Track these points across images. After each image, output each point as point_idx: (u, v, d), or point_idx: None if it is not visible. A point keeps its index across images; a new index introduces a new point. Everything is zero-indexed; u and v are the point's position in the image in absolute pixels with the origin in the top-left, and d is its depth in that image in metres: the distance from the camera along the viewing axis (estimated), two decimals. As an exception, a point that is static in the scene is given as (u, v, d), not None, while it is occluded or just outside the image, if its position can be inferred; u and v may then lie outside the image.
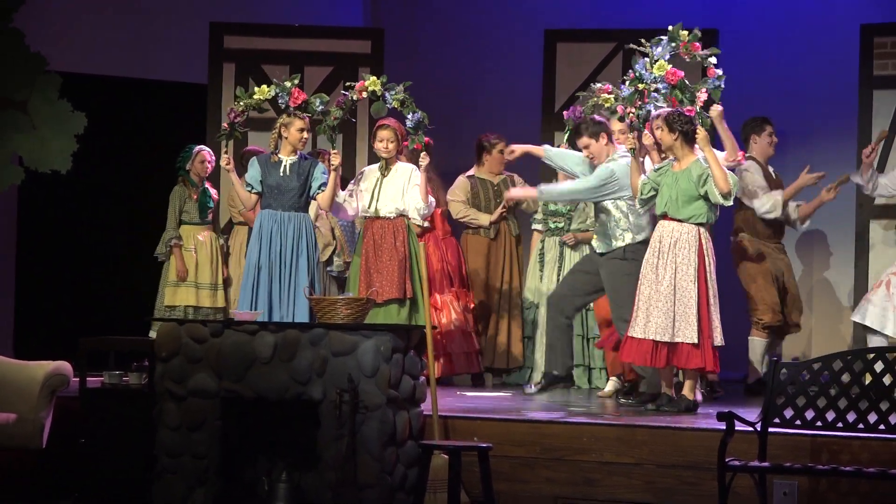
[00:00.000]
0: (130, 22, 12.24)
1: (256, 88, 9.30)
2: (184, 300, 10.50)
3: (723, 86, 8.95)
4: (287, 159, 9.21)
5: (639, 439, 7.74)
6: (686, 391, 8.71)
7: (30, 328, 11.94)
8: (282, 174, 9.16)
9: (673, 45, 8.97)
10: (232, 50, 11.60)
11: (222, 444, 8.02)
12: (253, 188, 9.23)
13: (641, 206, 8.90)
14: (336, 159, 9.25)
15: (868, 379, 7.13)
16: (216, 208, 10.89)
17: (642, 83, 8.96)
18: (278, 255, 9.08)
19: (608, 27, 11.74)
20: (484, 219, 10.69)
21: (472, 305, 10.63)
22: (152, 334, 10.19)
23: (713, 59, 8.98)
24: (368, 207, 9.49)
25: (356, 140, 11.57)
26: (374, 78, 9.38)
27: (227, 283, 10.74)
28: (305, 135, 9.24)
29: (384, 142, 9.44)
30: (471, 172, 10.80)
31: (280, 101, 9.24)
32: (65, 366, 8.52)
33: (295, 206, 9.17)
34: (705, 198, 8.57)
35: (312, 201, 9.29)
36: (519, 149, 9.58)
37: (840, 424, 7.09)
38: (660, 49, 8.97)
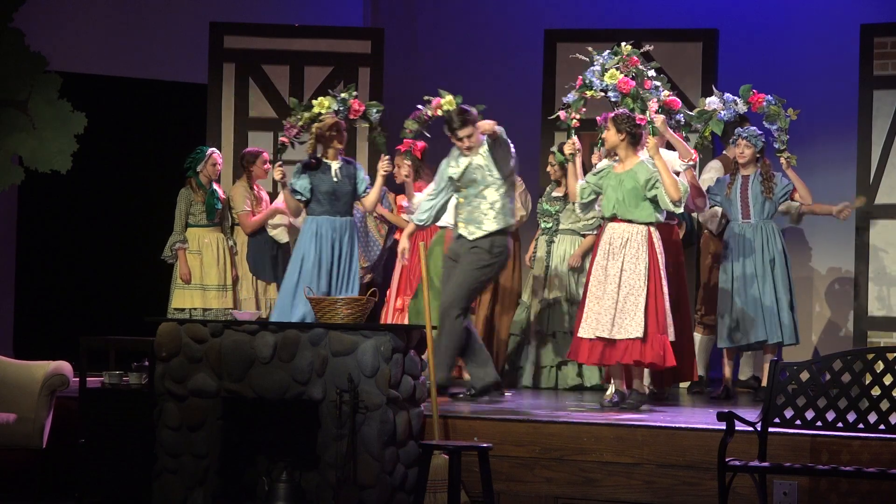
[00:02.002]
0: (130, 22, 12.24)
1: (314, 101, 9.31)
2: (190, 303, 10.50)
3: (661, 96, 9.12)
4: (334, 164, 9.21)
5: (639, 439, 7.74)
6: (635, 385, 8.83)
7: (30, 328, 11.94)
8: (335, 179, 9.16)
9: (616, 58, 9.14)
10: (232, 50, 11.60)
11: (222, 444, 8.02)
12: (303, 196, 9.20)
13: (582, 210, 9.11)
14: (387, 166, 9.28)
15: (868, 379, 7.13)
16: (227, 211, 10.86)
17: (591, 90, 9.14)
18: (337, 261, 9.08)
19: (608, 27, 11.74)
20: None
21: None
22: None
23: (651, 73, 9.15)
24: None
25: (356, 140, 11.56)
26: (451, 97, 9.40)
27: (235, 283, 10.73)
28: (344, 136, 9.24)
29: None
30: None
31: (339, 115, 9.26)
32: (65, 366, 8.53)
33: (349, 210, 9.23)
34: (652, 199, 8.67)
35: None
36: (489, 126, 9.16)
37: (840, 424, 7.09)
38: (600, 60, 9.15)
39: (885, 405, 7.00)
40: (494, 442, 7.67)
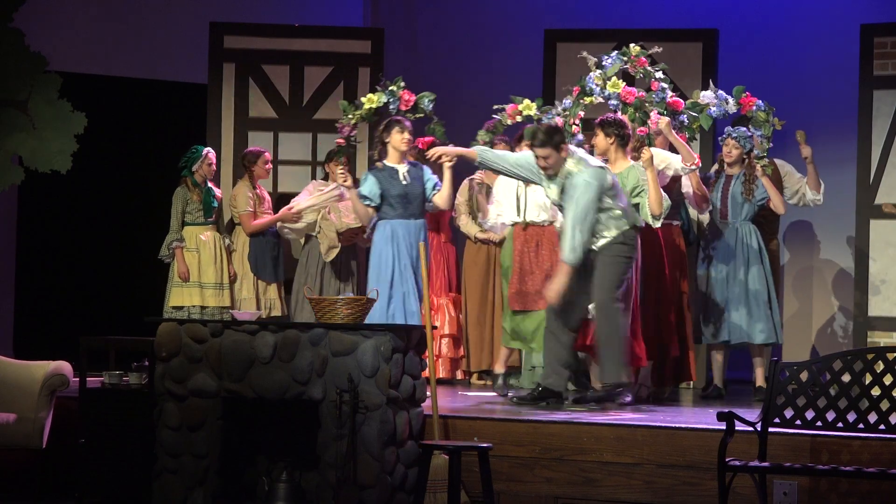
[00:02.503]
0: (130, 22, 12.24)
1: (364, 98, 9.20)
2: (189, 301, 10.50)
3: (668, 97, 9.11)
4: (401, 167, 9.14)
5: (639, 439, 7.74)
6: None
7: (30, 328, 11.94)
8: (405, 182, 9.10)
9: (624, 59, 9.15)
10: (232, 50, 11.60)
11: (222, 444, 8.02)
12: (372, 202, 9.13)
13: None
14: (454, 159, 9.02)
15: (868, 379, 7.13)
16: (222, 209, 10.87)
17: (590, 97, 9.11)
18: (409, 264, 9.04)
19: (608, 27, 11.74)
20: (473, 230, 10.62)
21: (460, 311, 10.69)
22: None
23: (659, 74, 9.15)
24: (517, 215, 9.50)
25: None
26: (529, 101, 9.31)
27: (232, 281, 10.73)
28: (407, 136, 9.12)
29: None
30: (473, 175, 10.73)
31: (391, 107, 9.18)
32: (65, 366, 8.53)
33: (422, 212, 9.18)
34: (634, 205, 8.85)
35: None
36: (451, 151, 8.83)
37: (840, 424, 7.09)
38: (609, 61, 9.14)
39: (885, 405, 7.00)
40: (494, 442, 7.67)
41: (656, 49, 9.32)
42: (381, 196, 9.14)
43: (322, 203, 10.53)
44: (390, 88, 9.21)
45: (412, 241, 9.11)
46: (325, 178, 10.88)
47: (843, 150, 11.28)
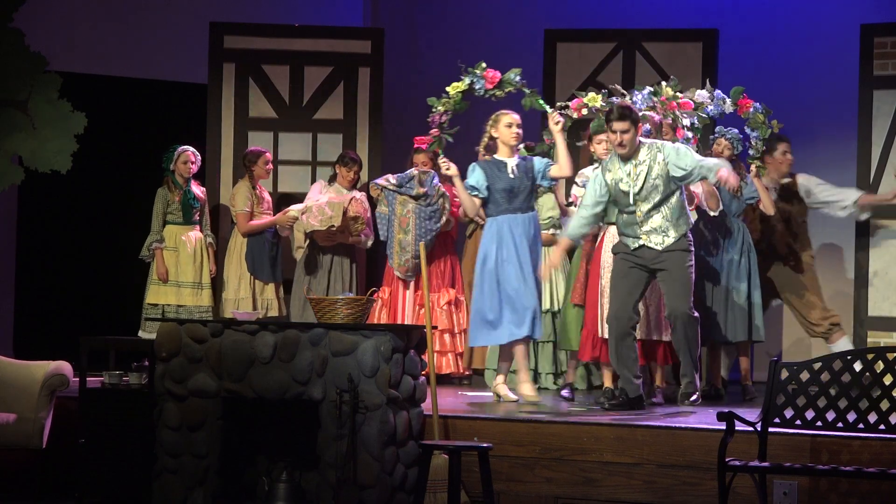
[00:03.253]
0: (130, 22, 12.23)
1: (449, 88, 9.11)
2: (164, 299, 10.51)
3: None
4: (510, 161, 9.02)
5: (639, 439, 7.74)
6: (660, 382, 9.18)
7: (30, 328, 11.94)
8: (512, 176, 9.01)
9: (655, 98, 9.11)
10: (232, 50, 11.60)
11: (222, 444, 8.02)
12: (480, 193, 9.01)
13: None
14: (558, 118, 8.95)
15: (868, 379, 7.13)
16: (206, 207, 10.85)
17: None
18: (518, 256, 8.92)
19: (608, 27, 11.74)
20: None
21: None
22: (141, 334, 10.24)
23: (686, 121, 9.11)
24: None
25: (357, 140, 11.55)
26: (594, 94, 9.22)
27: (215, 281, 10.72)
28: (515, 129, 8.99)
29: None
30: None
31: (477, 88, 9.08)
32: (65, 366, 8.53)
33: (530, 205, 9.05)
34: None
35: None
36: (553, 260, 8.85)
37: (840, 424, 7.09)
38: (639, 98, 9.11)
39: (885, 405, 7.00)
40: (494, 442, 7.67)
41: (689, 97, 9.27)
42: (487, 188, 9.02)
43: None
44: (474, 70, 9.14)
45: (520, 234, 8.96)
46: (333, 177, 10.86)
47: (843, 150, 11.28)
